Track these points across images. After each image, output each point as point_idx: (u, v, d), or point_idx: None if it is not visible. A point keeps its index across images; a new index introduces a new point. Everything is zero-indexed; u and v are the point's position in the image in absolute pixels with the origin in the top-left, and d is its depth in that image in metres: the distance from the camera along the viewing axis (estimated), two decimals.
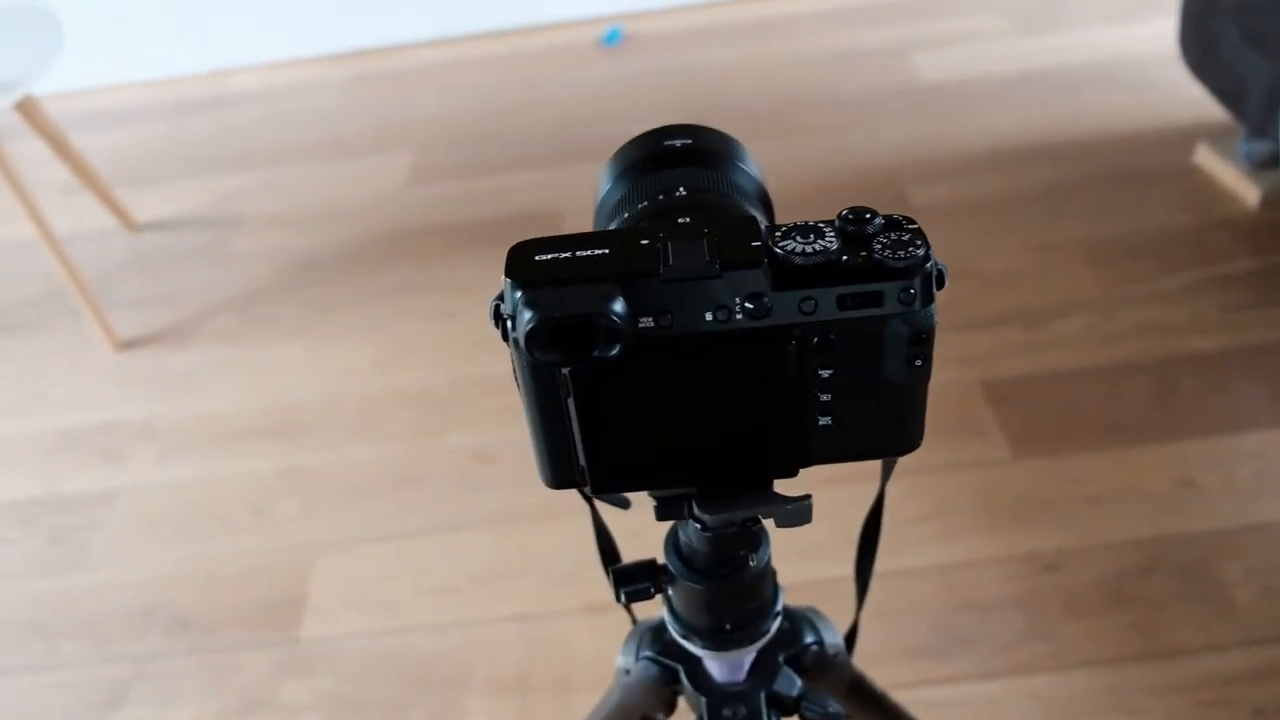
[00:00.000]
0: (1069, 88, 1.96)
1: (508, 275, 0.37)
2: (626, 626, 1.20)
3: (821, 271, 0.37)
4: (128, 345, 1.67)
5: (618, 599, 0.49)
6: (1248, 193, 1.60)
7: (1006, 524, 1.21)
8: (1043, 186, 1.72)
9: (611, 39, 2.29)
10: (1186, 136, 1.75)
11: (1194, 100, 1.77)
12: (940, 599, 1.13)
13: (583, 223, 1.72)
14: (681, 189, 0.44)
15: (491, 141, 2.07)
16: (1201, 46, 1.61)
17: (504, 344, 0.39)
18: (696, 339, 0.38)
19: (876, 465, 0.47)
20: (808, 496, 0.41)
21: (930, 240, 0.38)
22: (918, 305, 0.38)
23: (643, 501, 0.52)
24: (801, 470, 0.42)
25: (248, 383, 1.57)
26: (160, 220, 1.97)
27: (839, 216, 0.39)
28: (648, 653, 0.56)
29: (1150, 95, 1.89)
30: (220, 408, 1.53)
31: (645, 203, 0.44)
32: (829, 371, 0.39)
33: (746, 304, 0.37)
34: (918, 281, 0.37)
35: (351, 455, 1.42)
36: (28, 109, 1.68)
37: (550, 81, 2.24)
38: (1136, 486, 1.23)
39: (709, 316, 0.37)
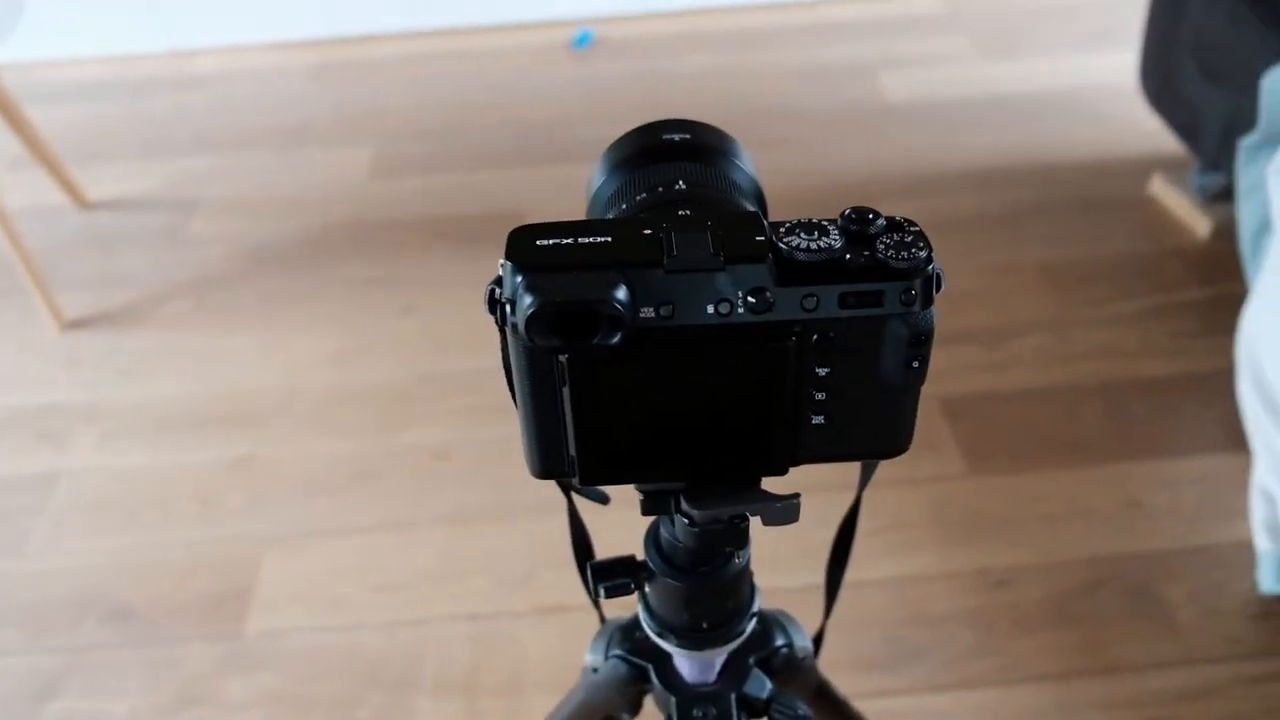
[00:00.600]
0: (1030, 113, 2.00)
1: (508, 258, 0.37)
2: (580, 629, 1.19)
3: (825, 269, 0.37)
4: (74, 325, 1.62)
5: (594, 595, 0.49)
6: (1199, 224, 1.65)
7: (959, 539, 1.22)
8: (1003, 208, 1.74)
9: (582, 42, 2.29)
10: (1142, 167, 1.80)
11: (1150, 132, 1.82)
12: (893, 611, 1.14)
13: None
14: (681, 182, 0.44)
15: (457, 138, 2.06)
16: (1161, 79, 1.65)
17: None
18: (696, 331, 0.37)
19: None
20: (796, 495, 0.41)
21: None
22: (918, 306, 0.38)
23: (618, 500, 0.52)
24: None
25: (199, 369, 1.54)
26: (113, 200, 1.93)
27: (842, 215, 0.39)
28: (617, 651, 0.56)
29: (1108, 126, 1.94)
30: (169, 394, 1.50)
31: (644, 195, 0.44)
32: (826, 370, 0.39)
33: (749, 298, 0.37)
34: (919, 283, 0.37)
35: (305, 448, 1.40)
36: None
37: (519, 81, 2.23)
38: (1086, 506, 1.25)
39: (710, 309, 0.37)
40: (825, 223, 0.38)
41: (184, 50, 2.40)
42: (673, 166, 0.45)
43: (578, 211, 1.79)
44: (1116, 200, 1.75)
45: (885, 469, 0.48)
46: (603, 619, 0.61)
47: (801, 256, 0.37)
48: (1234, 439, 1.29)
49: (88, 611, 1.21)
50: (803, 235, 0.37)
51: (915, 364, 0.39)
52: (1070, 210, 1.74)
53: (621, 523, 0.56)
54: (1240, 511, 1.22)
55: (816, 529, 0.59)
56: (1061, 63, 2.16)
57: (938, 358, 1.55)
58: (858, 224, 0.38)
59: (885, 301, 0.37)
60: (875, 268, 0.37)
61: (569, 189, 1.87)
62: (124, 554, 1.27)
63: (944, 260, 1.44)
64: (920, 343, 0.38)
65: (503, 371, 0.45)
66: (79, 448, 1.41)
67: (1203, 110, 1.55)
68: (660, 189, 0.44)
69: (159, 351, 1.58)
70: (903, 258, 0.37)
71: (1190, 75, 1.56)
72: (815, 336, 0.38)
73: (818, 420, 0.40)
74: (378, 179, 1.95)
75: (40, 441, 1.42)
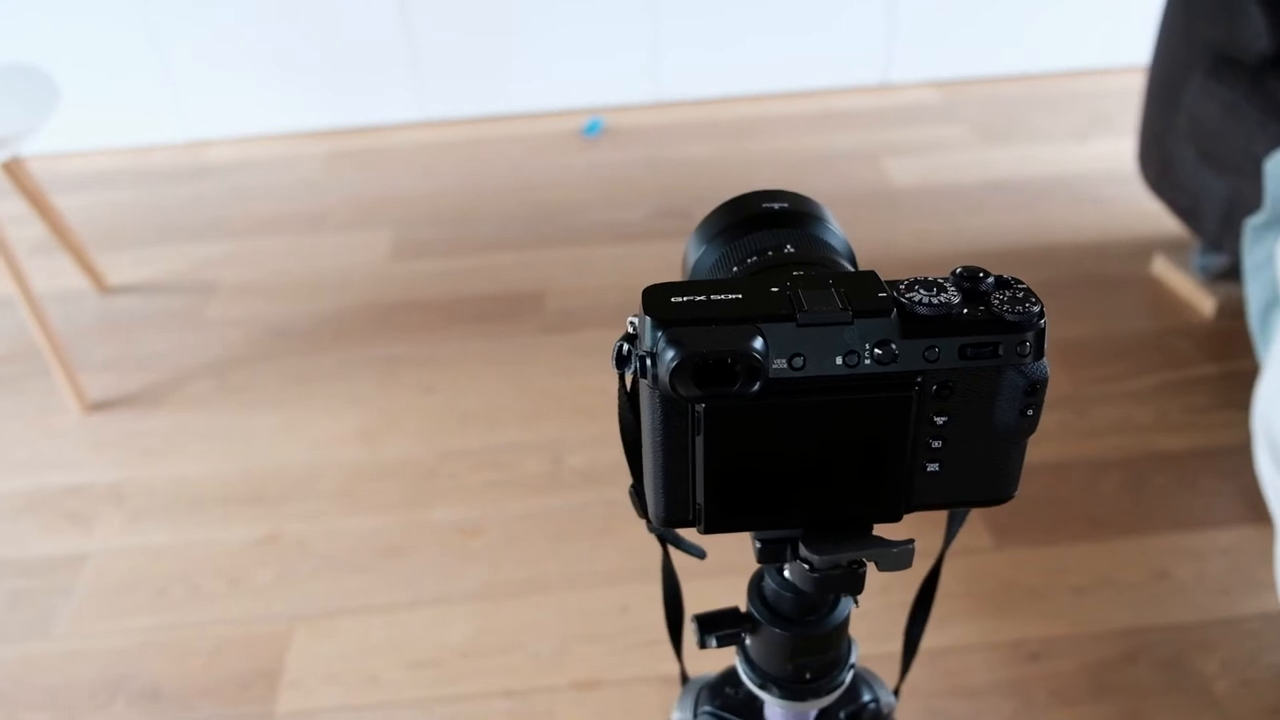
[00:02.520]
0: (1031, 197, 2.06)
1: (648, 314, 0.39)
2: (619, 704, 1.18)
3: (945, 323, 0.39)
4: (97, 407, 1.63)
5: (702, 645, 0.50)
6: (1204, 303, 1.69)
7: (992, 611, 1.23)
8: None
9: (592, 130, 2.36)
10: (1143, 248, 1.85)
11: (1149, 214, 1.88)
12: (932, 683, 1.14)
13: (567, 303, 1.73)
14: (789, 246, 0.47)
15: (473, 221, 2.10)
16: (1159, 165, 1.71)
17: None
18: (825, 381, 0.39)
19: None
20: (911, 541, 0.43)
21: None
22: (1032, 357, 0.40)
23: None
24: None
25: (223, 449, 1.54)
26: (133, 284, 1.95)
27: (953, 274, 0.41)
28: (707, 708, 0.56)
29: (1107, 208, 2.00)
30: (194, 473, 1.50)
31: (754, 258, 0.47)
32: (944, 418, 0.41)
33: (875, 350, 0.39)
34: (1032, 335, 0.40)
35: (332, 525, 1.40)
36: (13, 168, 1.67)
37: (532, 167, 2.29)
38: (1114, 577, 1.27)
39: (839, 360, 0.39)
40: (941, 280, 0.41)
41: (200, 140, 2.46)
42: (777, 233, 0.48)
43: (593, 291, 1.83)
44: (1120, 280, 1.80)
45: (916, 543, 0.49)
46: (685, 677, 0.61)
47: (923, 311, 0.39)
48: (1256, 511, 1.31)
49: (116, 692, 1.19)
50: (922, 291, 0.40)
51: (1029, 412, 0.41)
52: (1075, 290, 1.78)
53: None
54: (1267, 583, 1.23)
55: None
56: (1058, 149, 2.23)
57: None
58: (970, 281, 0.41)
59: (1002, 352, 0.40)
60: (992, 321, 0.40)
61: (583, 269, 1.91)
62: (152, 634, 1.26)
63: None
64: (1034, 391, 0.41)
65: (618, 427, 0.47)
66: (105, 528, 1.41)
67: (1202, 194, 1.61)
68: (769, 252, 0.47)
69: (182, 431, 1.58)
70: (1017, 312, 0.40)
71: (1188, 161, 1.62)
72: (935, 386, 0.40)
73: (932, 468, 0.42)
74: (396, 262, 1.98)
75: (66, 523, 1.42)
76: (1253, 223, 1.38)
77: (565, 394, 1.60)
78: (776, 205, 0.50)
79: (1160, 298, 1.75)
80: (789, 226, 0.49)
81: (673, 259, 1.99)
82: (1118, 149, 2.12)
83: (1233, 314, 1.65)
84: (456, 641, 1.23)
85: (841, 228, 0.52)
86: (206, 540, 1.39)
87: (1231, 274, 1.68)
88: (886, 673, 0.67)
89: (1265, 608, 1.21)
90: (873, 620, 0.91)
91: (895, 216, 2.03)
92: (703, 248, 0.51)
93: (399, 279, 1.93)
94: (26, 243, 2.01)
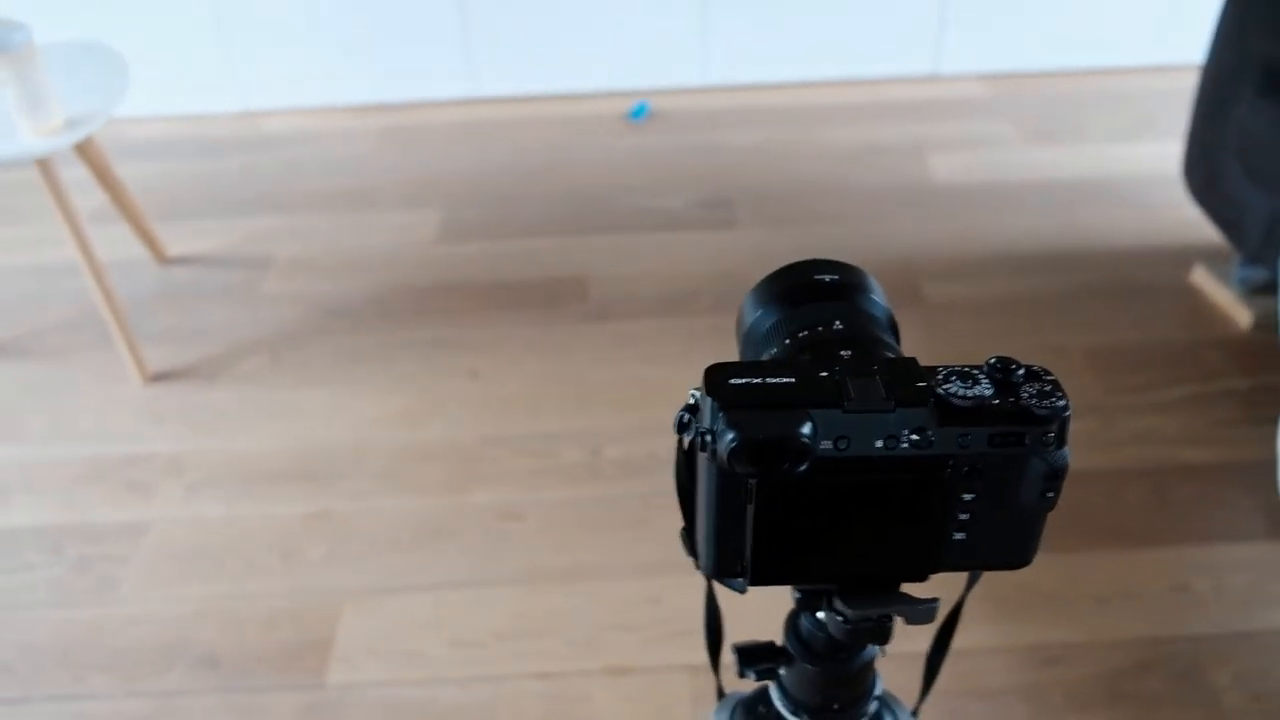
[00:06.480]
0: (1073, 199, 2.07)
1: (710, 395, 0.43)
2: (649, 691, 1.24)
3: (978, 414, 0.44)
4: (157, 378, 1.70)
5: (741, 675, 0.55)
6: (1240, 315, 1.70)
7: (1011, 615, 1.27)
8: (1048, 291, 1.81)
9: (638, 114, 2.39)
10: (1183, 255, 1.86)
11: (1191, 221, 1.88)
12: (949, 685, 1.19)
13: (608, 290, 1.76)
14: (838, 322, 0.51)
15: (518, 204, 2.14)
16: (1204, 176, 1.72)
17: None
18: (866, 461, 0.44)
19: None
20: (936, 600, 0.47)
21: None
22: (1055, 447, 0.44)
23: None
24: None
25: (275, 425, 1.61)
26: (190, 255, 2.02)
27: (986, 364, 0.45)
28: None
29: (1150, 213, 2.01)
30: (248, 448, 1.57)
31: (805, 332, 0.51)
32: (972, 496, 0.45)
33: (913, 436, 0.43)
34: (1057, 427, 0.44)
35: (379, 504, 1.46)
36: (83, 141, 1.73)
37: (577, 150, 2.32)
38: (1134, 588, 1.30)
39: (879, 444, 0.44)
40: (975, 370, 0.45)
41: (256, 111, 2.51)
42: (827, 307, 0.52)
43: (635, 280, 1.87)
44: (1158, 288, 1.82)
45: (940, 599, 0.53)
46: (721, 693, 0.66)
47: (958, 403, 0.44)
48: (1278, 528, 1.34)
49: (176, 659, 1.27)
50: (958, 383, 0.44)
51: (1049, 494, 0.45)
52: (1112, 296, 1.80)
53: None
54: None
55: None
56: (1103, 149, 2.23)
57: None
58: (1002, 373, 0.45)
59: (1028, 442, 0.44)
60: (1020, 413, 0.44)
61: (625, 257, 1.96)
62: (209, 603, 1.34)
63: (994, 340, 1.53)
64: (1055, 477, 0.45)
65: (674, 481, 0.52)
66: (165, 499, 1.48)
67: (1246, 209, 1.62)
68: (820, 328, 0.51)
69: (237, 406, 1.65)
70: (1045, 406, 0.44)
71: (1234, 175, 1.63)
72: (966, 468, 0.44)
73: (959, 536, 0.47)
74: (442, 243, 2.03)
75: (128, 492, 1.50)
76: None
77: (605, 383, 1.65)
78: (827, 278, 0.54)
79: (1197, 308, 1.77)
80: (838, 300, 0.53)
81: (713, 249, 2.04)
82: (1164, 151, 2.12)
83: (1269, 328, 1.67)
84: (496, 623, 1.29)
85: (884, 296, 0.56)
86: (260, 515, 1.45)
87: (1270, 288, 1.70)
88: (913, 671, 0.71)
89: None
90: None
91: (935, 214, 2.04)
92: (758, 311, 0.55)
93: (445, 260, 1.98)
94: (86, 211, 2.06)
